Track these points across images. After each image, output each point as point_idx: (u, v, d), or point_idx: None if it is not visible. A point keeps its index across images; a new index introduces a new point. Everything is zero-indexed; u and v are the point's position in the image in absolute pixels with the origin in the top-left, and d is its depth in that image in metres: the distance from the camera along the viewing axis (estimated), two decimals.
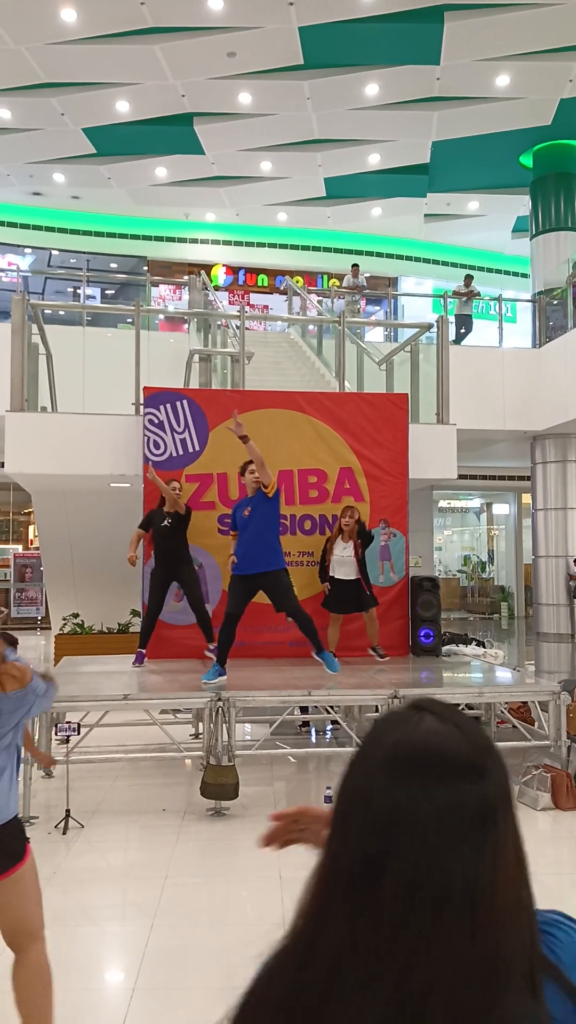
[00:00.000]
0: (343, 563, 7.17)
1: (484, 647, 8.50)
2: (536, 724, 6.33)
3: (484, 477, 18.60)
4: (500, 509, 21.56)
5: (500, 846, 0.77)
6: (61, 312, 14.65)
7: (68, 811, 5.17)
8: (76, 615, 10.77)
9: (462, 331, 14.79)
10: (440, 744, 0.77)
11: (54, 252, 21.03)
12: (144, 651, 7.14)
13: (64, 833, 5.07)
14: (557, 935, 0.87)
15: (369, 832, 0.75)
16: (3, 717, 2.69)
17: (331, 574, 7.24)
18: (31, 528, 18.84)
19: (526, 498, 17.64)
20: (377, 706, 5.92)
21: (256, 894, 4.27)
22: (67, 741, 5.37)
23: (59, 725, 5.35)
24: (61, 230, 20.72)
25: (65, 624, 10.77)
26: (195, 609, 7.10)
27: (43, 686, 2.81)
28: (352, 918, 0.75)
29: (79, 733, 5.40)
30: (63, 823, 5.12)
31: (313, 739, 7.58)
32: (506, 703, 6.73)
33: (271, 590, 6.30)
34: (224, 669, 6.29)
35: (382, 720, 0.84)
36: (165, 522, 7.06)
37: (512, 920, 0.76)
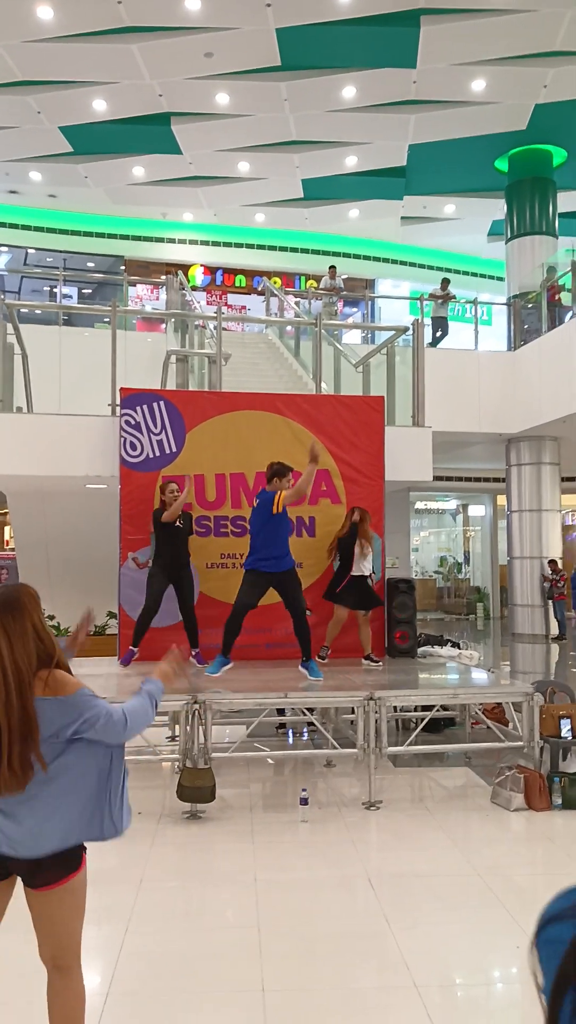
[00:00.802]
0: (359, 560, 7.26)
1: (459, 648, 8.55)
2: (510, 725, 6.39)
3: (460, 479, 18.73)
4: (476, 511, 21.72)
5: None
6: (37, 311, 14.57)
7: None
8: (52, 617, 10.70)
9: (438, 334, 14.89)
10: None
11: (30, 251, 20.89)
12: (135, 650, 7.08)
13: None
14: None
15: None
16: (50, 729, 2.43)
17: (352, 573, 7.26)
18: (7, 529, 18.69)
19: (501, 500, 17.78)
20: (353, 708, 5.94)
21: (232, 898, 4.27)
22: None
23: None
24: (37, 229, 20.59)
25: None
26: (185, 614, 7.09)
27: (103, 713, 2.47)
28: None
29: None
30: None
31: (290, 741, 7.60)
32: (480, 704, 6.78)
33: (286, 588, 6.44)
34: (229, 659, 6.40)
35: None
36: (177, 523, 7.03)
37: None
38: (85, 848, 2.56)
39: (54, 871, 2.48)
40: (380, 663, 7.29)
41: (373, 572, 7.50)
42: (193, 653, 7.13)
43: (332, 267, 16.75)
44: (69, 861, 2.50)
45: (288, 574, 6.46)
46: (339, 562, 7.42)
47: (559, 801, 5.63)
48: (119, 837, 2.57)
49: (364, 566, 7.29)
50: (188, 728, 5.58)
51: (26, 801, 2.43)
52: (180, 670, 2.74)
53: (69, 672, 2.54)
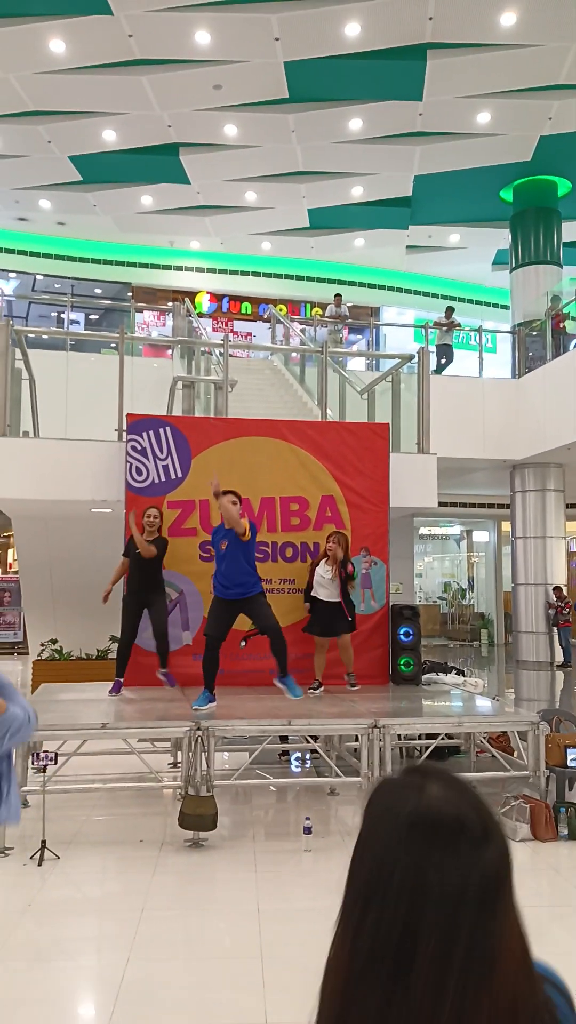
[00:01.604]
0: (323, 585, 7.18)
1: (464, 675, 8.51)
2: (515, 754, 6.34)
3: (464, 505, 18.73)
4: (480, 536, 21.69)
5: (511, 904, 0.78)
6: (45, 337, 14.69)
7: (44, 842, 5.10)
8: (55, 641, 10.69)
9: (443, 361, 14.99)
10: (454, 812, 0.79)
11: (39, 277, 21.11)
12: (121, 680, 7.08)
13: (40, 864, 5.00)
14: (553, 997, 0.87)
15: (397, 904, 0.76)
16: None
17: (312, 594, 7.25)
18: (10, 552, 18.72)
19: (506, 526, 17.76)
20: (357, 736, 5.90)
21: (234, 927, 4.22)
22: (44, 770, 5.31)
23: (36, 754, 5.29)
24: (46, 255, 20.83)
25: (43, 650, 10.68)
26: (156, 634, 7.08)
27: (21, 715, 2.70)
28: (386, 989, 0.75)
29: (56, 763, 5.34)
30: (39, 854, 5.05)
31: (294, 768, 7.54)
32: (486, 733, 6.74)
33: (251, 611, 6.41)
34: (213, 695, 6.30)
35: (386, 789, 0.85)
36: (138, 549, 7.04)
37: (524, 974, 0.77)
38: None
39: None
40: (356, 687, 7.24)
41: (349, 588, 7.33)
42: (161, 672, 7.08)
43: (338, 295, 16.90)
44: None
45: (245, 601, 6.35)
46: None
47: (565, 832, 5.57)
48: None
49: (331, 591, 7.15)
50: (190, 755, 5.55)
51: None
52: None
53: None
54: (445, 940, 0.73)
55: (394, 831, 0.79)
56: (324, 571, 7.19)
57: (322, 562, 7.25)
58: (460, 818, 0.79)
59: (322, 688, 7.17)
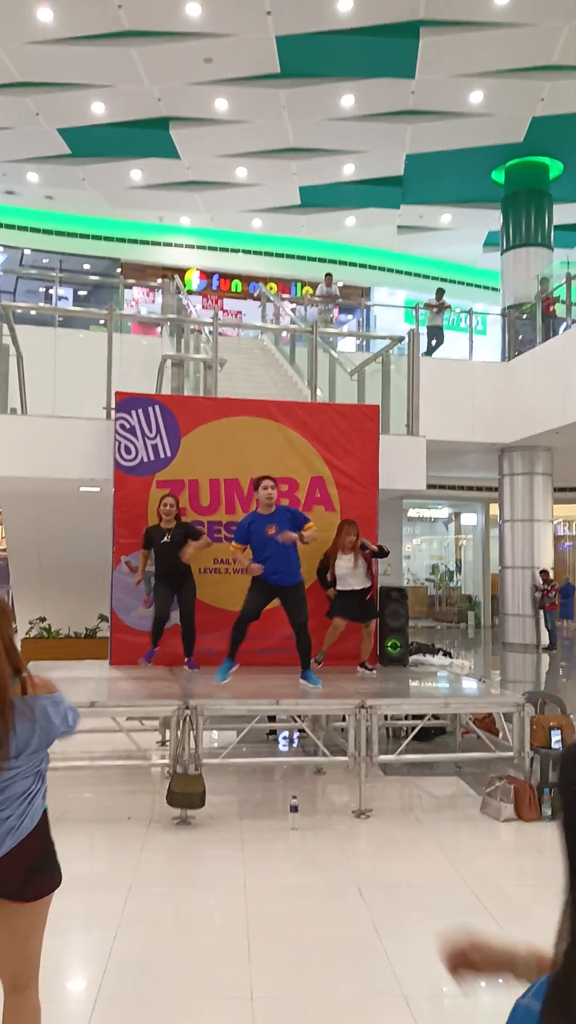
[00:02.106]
0: (351, 575, 7.21)
1: (451, 657, 8.56)
2: (501, 735, 6.40)
3: (453, 487, 18.77)
4: (468, 519, 21.77)
5: None
6: (33, 313, 14.53)
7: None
8: (43, 619, 10.68)
9: (433, 343, 14.95)
10: None
11: (26, 251, 20.88)
12: (155, 650, 7.11)
13: None
14: None
15: None
16: (35, 736, 2.44)
17: (340, 588, 7.25)
18: None
19: (494, 509, 17.83)
20: (344, 716, 5.94)
21: (221, 903, 4.26)
22: None
23: None
24: (34, 230, 20.58)
25: (32, 628, 10.67)
26: (184, 622, 7.09)
27: (66, 706, 2.56)
28: None
29: None
30: None
31: (281, 747, 7.59)
32: (471, 714, 6.79)
33: (290, 601, 6.50)
34: (235, 661, 6.46)
35: None
36: (164, 539, 7.06)
37: None
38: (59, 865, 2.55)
39: (41, 881, 2.47)
40: (374, 671, 7.29)
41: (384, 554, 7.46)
42: (185, 660, 7.13)
43: (328, 275, 16.80)
44: (54, 875, 2.51)
45: (289, 588, 6.48)
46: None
47: (549, 812, 5.64)
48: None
49: (353, 580, 7.21)
50: (179, 733, 5.57)
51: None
52: None
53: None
54: None
55: None
56: (346, 562, 7.20)
57: (340, 555, 7.24)
58: None
59: (322, 663, 7.22)
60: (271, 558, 6.42)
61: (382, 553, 7.38)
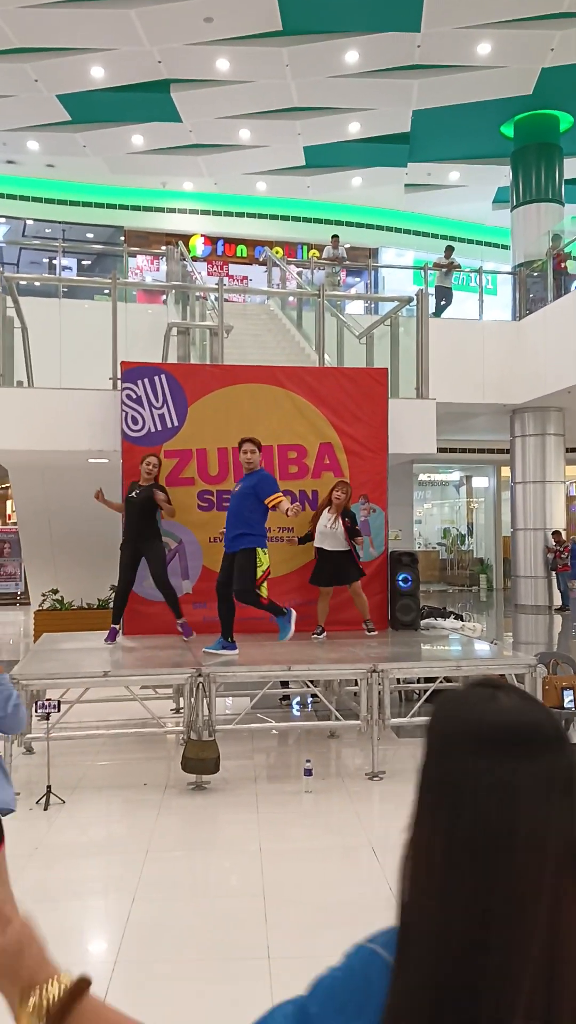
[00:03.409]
0: (327, 535, 7.18)
1: (462, 620, 8.58)
2: None
3: (464, 450, 18.65)
4: (479, 482, 21.66)
5: None
6: (37, 284, 14.45)
7: (49, 787, 5.19)
8: (55, 591, 10.75)
9: (442, 303, 14.76)
10: (530, 719, 0.85)
11: (29, 222, 20.69)
12: (117, 627, 7.10)
13: (46, 809, 5.10)
14: None
15: (487, 805, 0.82)
16: None
17: (316, 545, 7.25)
18: (8, 503, 18.72)
19: (505, 471, 17.73)
20: (356, 680, 5.97)
21: (237, 867, 4.32)
22: (47, 718, 5.38)
23: (39, 702, 5.36)
24: (36, 199, 20.38)
25: (44, 600, 10.75)
26: (158, 585, 7.00)
27: (12, 696, 2.66)
28: (481, 893, 0.81)
29: (59, 710, 5.41)
30: (44, 799, 5.15)
31: (295, 712, 7.65)
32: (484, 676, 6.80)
33: (232, 566, 6.39)
34: (231, 643, 6.41)
35: (456, 701, 0.90)
36: (132, 494, 7.00)
37: None
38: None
39: None
40: (375, 632, 7.30)
41: (358, 544, 7.30)
42: (179, 624, 7.07)
43: (335, 236, 16.57)
44: None
45: (233, 556, 6.41)
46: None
47: None
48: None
49: (333, 540, 7.16)
50: (192, 700, 5.62)
51: None
52: None
53: None
54: (539, 831, 0.81)
55: (473, 740, 0.85)
56: (326, 519, 7.18)
57: (324, 512, 7.23)
58: (536, 724, 0.85)
59: (324, 634, 7.22)
60: (227, 522, 6.49)
61: (354, 532, 7.29)
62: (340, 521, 7.16)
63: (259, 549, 6.34)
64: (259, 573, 6.36)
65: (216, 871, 4.35)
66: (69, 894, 4.06)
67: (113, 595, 7.32)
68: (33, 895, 4.03)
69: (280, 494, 6.41)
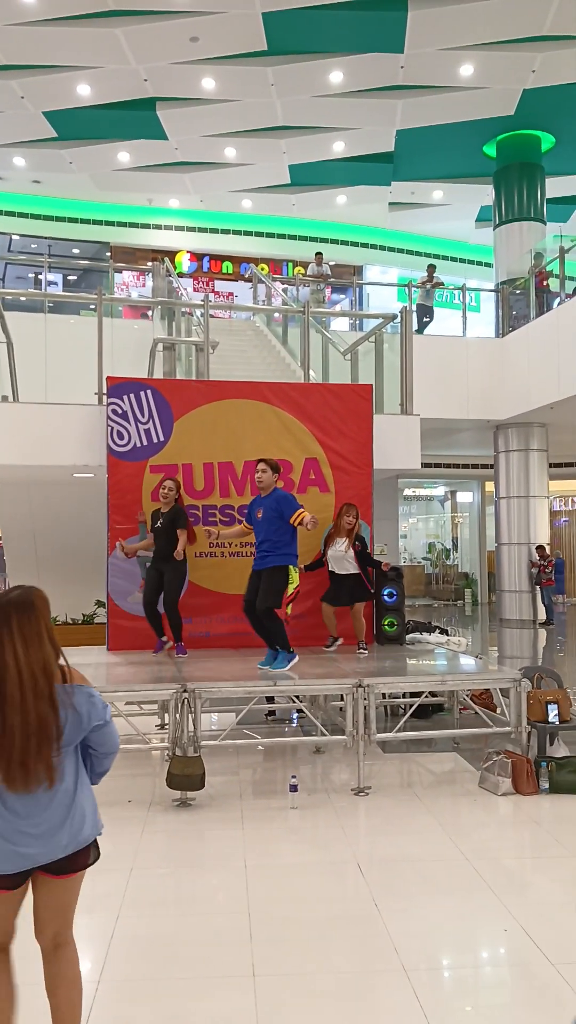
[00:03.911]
0: (339, 559, 7.23)
1: (447, 634, 8.60)
2: (498, 710, 6.44)
3: (448, 465, 18.77)
4: (464, 497, 21.77)
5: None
6: (22, 299, 14.45)
7: None
8: None
9: (425, 320, 14.89)
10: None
11: (14, 237, 20.71)
12: (163, 639, 7.14)
13: None
14: None
15: None
16: (74, 729, 2.52)
17: (330, 569, 7.28)
18: None
19: (489, 486, 17.84)
20: (342, 695, 5.97)
21: (222, 884, 4.30)
22: None
23: None
24: (22, 215, 20.41)
25: None
26: (167, 605, 7.04)
27: (104, 709, 2.61)
28: None
29: None
30: None
31: (281, 728, 7.63)
32: (468, 690, 6.83)
33: (261, 583, 6.42)
34: (291, 652, 6.41)
35: None
36: (158, 523, 7.07)
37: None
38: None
39: (80, 859, 2.59)
40: (366, 652, 7.32)
41: (367, 564, 7.42)
42: (175, 645, 7.10)
43: (319, 254, 16.71)
44: (93, 848, 2.65)
45: (261, 573, 6.44)
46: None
47: (546, 785, 5.69)
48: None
49: (346, 564, 7.23)
50: (177, 716, 5.60)
51: (39, 805, 2.50)
52: None
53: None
54: None
55: None
56: (340, 545, 7.22)
57: (336, 538, 7.26)
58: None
59: (339, 642, 7.23)
60: (257, 543, 6.50)
61: (365, 558, 7.38)
62: (352, 548, 7.22)
63: (291, 567, 6.40)
64: (289, 590, 6.41)
65: (201, 888, 4.32)
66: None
67: (101, 611, 7.31)
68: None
69: (302, 509, 6.44)
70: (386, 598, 7.85)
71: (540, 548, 14.51)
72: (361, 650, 7.30)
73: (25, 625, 2.44)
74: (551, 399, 12.49)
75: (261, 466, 6.61)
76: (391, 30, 13.15)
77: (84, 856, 2.60)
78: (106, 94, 15.18)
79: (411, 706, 6.53)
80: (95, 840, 2.65)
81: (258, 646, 7.32)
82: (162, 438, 7.64)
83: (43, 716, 2.42)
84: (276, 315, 14.51)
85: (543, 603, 14.68)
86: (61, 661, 2.55)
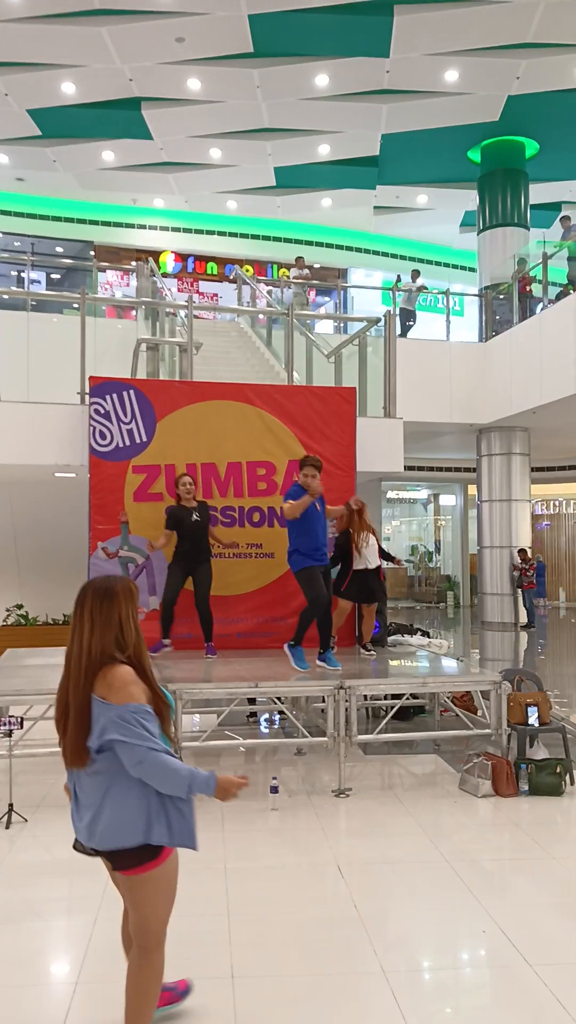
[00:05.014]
0: (368, 554, 7.27)
1: (428, 637, 8.62)
2: (479, 713, 6.46)
3: (431, 469, 18.83)
4: (447, 500, 21.86)
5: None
6: (5, 297, 14.35)
7: (11, 805, 5.11)
8: (20, 606, 10.63)
9: (408, 323, 14.94)
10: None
11: None
12: (165, 641, 7.06)
13: (7, 827, 5.02)
14: None
15: None
16: (97, 726, 2.53)
17: (357, 567, 7.27)
18: None
19: (472, 489, 17.92)
20: (323, 697, 5.97)
21: (202, 886, 4.28)
22: (10, 735, 5.30)
23: (1, 719, 5.28)
24: (5, 212, 20.28)
25: (9, 615, 10.62)
26: (199, 607, 7.01)
27: (130, 741, 2.49)
28: None
29: (22, 727, 5.34)
30: (6, 817, 5.07)
31: (262, 729, 7.62)
32: (450, 692, 6.85)
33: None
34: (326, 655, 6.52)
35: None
36: (194, 517, 7.00)
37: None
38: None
39: (126, 859, 2.58)
40: (374, 653, 7.34)
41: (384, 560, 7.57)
42: (206, 646, 7.08)
43: (299, 257, 16.72)
44: (141, 854, 2.57)
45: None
46: (338, 558, 7.39)
47: (526, 787, 5.71)
48: (179, 846, 2.65)
49: (368, 559, 7.28)
50: None
51: (83, 793, 2.59)
52: (234, 795, 2.65)
53: (146, 674, 2.62)
54: None
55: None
56: (368, 539, 7.28)
57: (360, 532, 7.26)
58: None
59: (335, 640, 7.27)
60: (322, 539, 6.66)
61: (386, 555, 7.62)
62: (372, 535, 7.33)
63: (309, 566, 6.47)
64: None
65: (181, 889, 4.29)
66: (31, 914, 3.99)
67: (162, 607, 7.09)
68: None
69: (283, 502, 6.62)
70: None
71: (522, 551, 14.58)
72: (368, 651, 7.32)
73: (97, 610, 2.58)
74: (534, 404, 12.56)
75: (310, 471, 6.58)
76: (377, 34, 13.20)
77: (124, 858, 2.57)
78: (91, 93, 15.13)
79: (392, 708, 6.54)
80: (144, 848, 2.57)
81: (240, 647, 7.32)
82: (145, 439, 7.61)
83: (86, 698, 2.53)
84: (260, 317, 14.50)
85: (524, 606, 14.74)
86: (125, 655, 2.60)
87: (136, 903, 2.66)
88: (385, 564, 7.62)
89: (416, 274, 15.43)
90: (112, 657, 2.57)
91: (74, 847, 2.73)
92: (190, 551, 7.00)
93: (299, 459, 7.80)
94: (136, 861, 2.58)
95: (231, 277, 20.33)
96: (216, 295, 21.38)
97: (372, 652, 7.36)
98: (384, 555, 7.57)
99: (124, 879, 2.64)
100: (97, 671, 2.54)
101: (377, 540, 7.42)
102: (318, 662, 6.52)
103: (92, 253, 20.93)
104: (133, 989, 2.70)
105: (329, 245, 22.13)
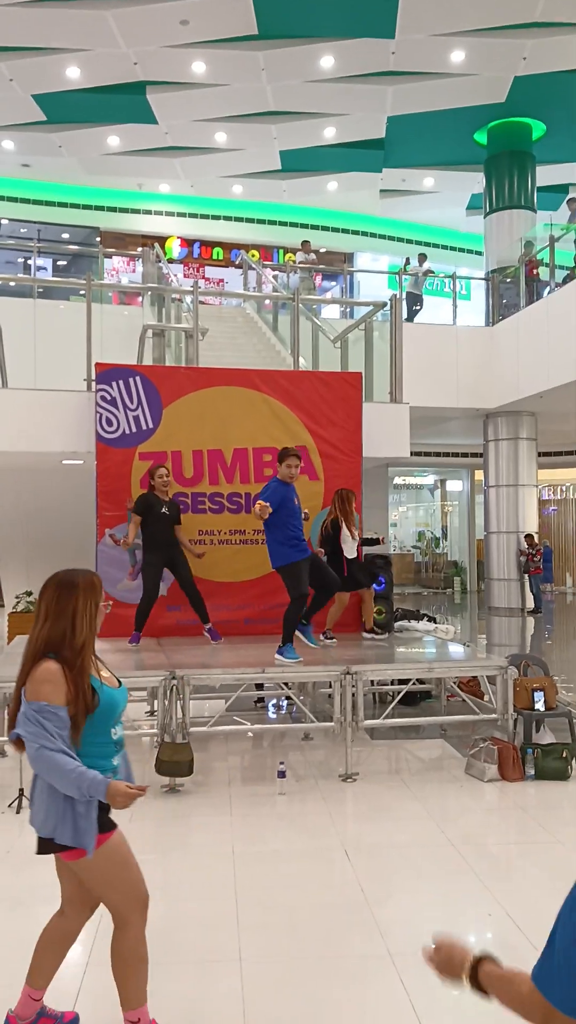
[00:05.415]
0: (350, 544, 7.26)
1: (435, 622, 8.64)
2: (485, 698, 6.48)
3: (438, 454, 18.79)
4: (453, 486, 21.82)
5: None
6: (11, 284, 14.34)
7: (21, 790, 5.16)
8: (29, 593, 10.68)
9: (415, 308, 14.87)
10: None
11: (3, 221, 20.54)
12: (140, 633, 7.01)
13: (18, 812, 5.07)
14: None
15: None
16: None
17: (346, 556, 7.24)
18: None
19: (479, 475, 17.88)
20: (330, 682, 6.00)
21: (209, 869, 4.33)
22: None
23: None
24: (11, 199, 20.23)
25: (18, 602, 10.68)
26: (188, 591, 7.03)
27: (28, 736, 2.55)
28: None
29: None
30: (16, 802, 5.12)
31: (270, 715, 7.66)
32: (456, 677, 6.87)
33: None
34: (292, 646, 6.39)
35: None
36: (164, 510, 7.00)
37: None
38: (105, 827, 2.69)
39: (58, 845, 2.64)
40: (385, 635, 7.38)
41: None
42: (206, 629, 7.10)
43: (305, 242, 16.64)
44: (49, 843, 2.66)
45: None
46: (328, 549, 7.37)
47: (532, 772, 5.74)
48: (80, 847, 2.63)
49: (353, 548, 7.28)
50: (166, 703, 5.61)
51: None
52: (126, 804, 2.61)
53: (81, 674, 2.60)
54: None
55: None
56: (346, 531, 7.24)
57: (344, 525, 7.23)
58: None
59: (335, 640, 7.27)
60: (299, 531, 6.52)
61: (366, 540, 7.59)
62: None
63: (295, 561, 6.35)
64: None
65: (189, 874, 4.35)
66: (40, 899, 4.03)
67: (141, 602, 7.06)
68: (2, 900, 4.01)
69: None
70: (375, 586, 7.87)
71: (529, 537, 14.57)
72: (378, 634, 7.36)
73: (54, 601, 2.62)
74: (541, 388, 12.51)
75: (291, 460, 6.51)
76: (382, 15, 13.06)
77: (56, 844, 2.63)
78: (96, 77, 15.04)
79: (399, 693, 6.57)
80: (52, 840, 2.64)
81: (247, 633, 7.35)
82: (151, 425, 7.62)
83: (20, 691, 2.60)
84: (266, 302, 14.45)
85: (531, 591, 14.75)
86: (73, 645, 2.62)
87: (88, 884, 2.75)
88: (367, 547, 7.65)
89: (423, 258, 15.34)
90: (54, 651, 2.58)
91: None
92: (161, 538, 6.94)
93: (302, 444, 7.83)
94: (45, 847, 2.69)
95: (237, 262, 20.24)
96: (222, 280, 21.31)
97: (383, 634, 7.39)
98: (364, 540, 7.54)
99: (69, 864, 2.72)
100: (33, 664, 2.59)
101: (351, 529, 7.33)
102: (297, 632, 6.49)
103: (98, 239, 20.87)
104: (116, 961, 2.80)
105: (335, 229, 22.01)
